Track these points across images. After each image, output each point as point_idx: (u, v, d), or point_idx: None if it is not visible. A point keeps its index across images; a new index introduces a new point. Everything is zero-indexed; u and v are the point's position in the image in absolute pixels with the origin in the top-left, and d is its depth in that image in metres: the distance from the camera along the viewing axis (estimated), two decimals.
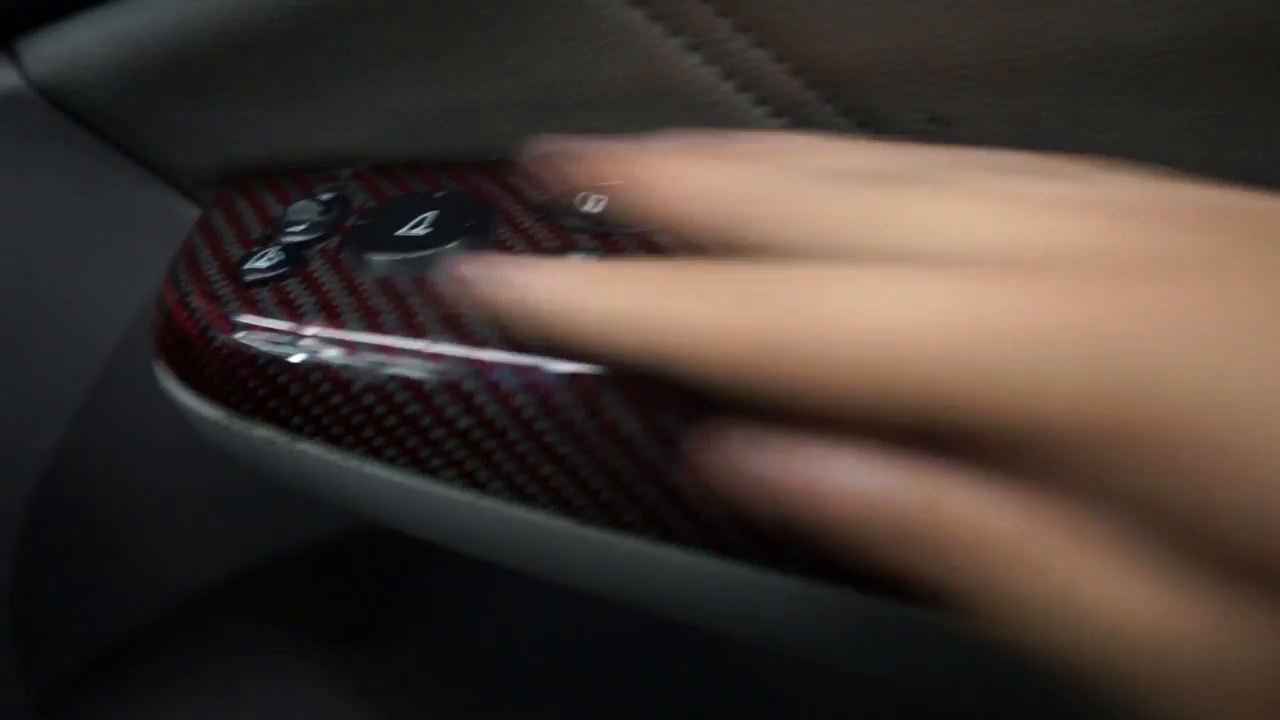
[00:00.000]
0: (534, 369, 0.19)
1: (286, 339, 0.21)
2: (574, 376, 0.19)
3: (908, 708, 0.34)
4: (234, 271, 0.23)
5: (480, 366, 0.20)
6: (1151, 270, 0.13)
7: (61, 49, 0.24)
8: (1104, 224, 0.14)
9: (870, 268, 0.14)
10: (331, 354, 0.21)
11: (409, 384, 0.20)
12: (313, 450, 0.22)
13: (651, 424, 0.18)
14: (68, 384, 0.30)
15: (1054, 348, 0.12)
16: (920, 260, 0.14)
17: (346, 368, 0.21)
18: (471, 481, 0.21)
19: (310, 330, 0.21)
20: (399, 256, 0.22)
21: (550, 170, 0.19)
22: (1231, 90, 0.22)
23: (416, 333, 0.21)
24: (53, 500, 0.33)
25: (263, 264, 0.23)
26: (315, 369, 0.21)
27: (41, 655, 0.39)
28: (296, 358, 0.21)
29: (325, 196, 0.25)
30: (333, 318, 0.21)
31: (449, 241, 0.22)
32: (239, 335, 0.22)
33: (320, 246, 0.23)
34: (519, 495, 0.20)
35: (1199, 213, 0.14)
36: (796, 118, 0.24)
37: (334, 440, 0.22)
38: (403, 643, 0.46)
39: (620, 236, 0.22)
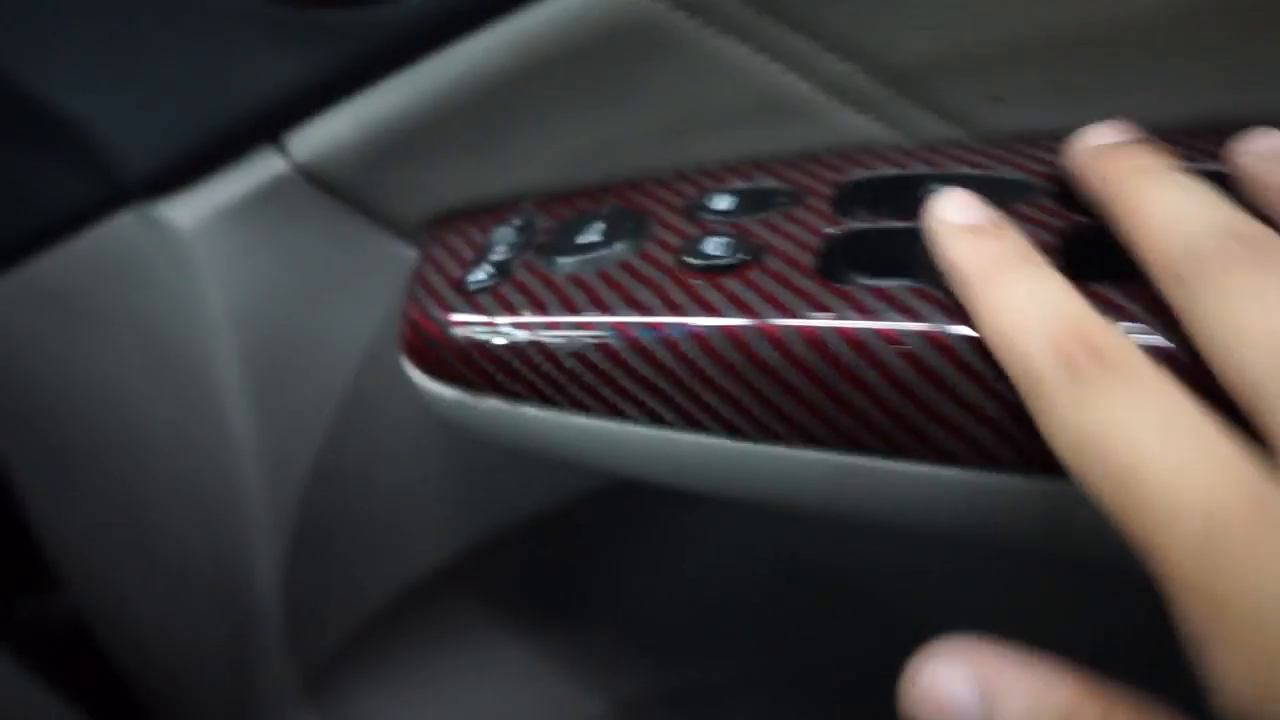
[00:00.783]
0: (688, 327, 0.26)
1: (506, 327, 0.29)
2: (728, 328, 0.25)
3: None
4: (460, 285, 0.30)
5: (654, 327, 0.26)
6: None
7: (319, 137, 0.32)
8: None
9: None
10: (540, 334, 0.28)
11: (601, 346, 0.27)
12: (530, 410, 0.29)
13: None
14: (323, 400, 0.38)
15: None
16: None
17: (552, 342, 0.28)
18: (652, 418, 0.27)
19: (522, 319, 0.28)
20: (581, 258, 0.29)
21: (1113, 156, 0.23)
22: (1244, 36, 0.26)
23: (602, 310, 0.27)
24: (312, 500, 0.41)
25: (481, 276, 0.30)
26: (529, 346, 0.28)
27: (306, 638, 0.47)
28: (515, 340, 0.28)
29: (517, 222, 0.32)
30: (538, 307, 0.28)
31: (616, 242, 0.29)
32: (471, 330, 0.29)
33: (521, 259, 0.30)
34: (687, 425, 0.27)
35: None
36: (879, 113, 0.30)
37: (546, 400, 0.28)
38: (592, 616, 0.52)
39: (750, 224, 0.28)
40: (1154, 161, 0.22)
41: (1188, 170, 0.22)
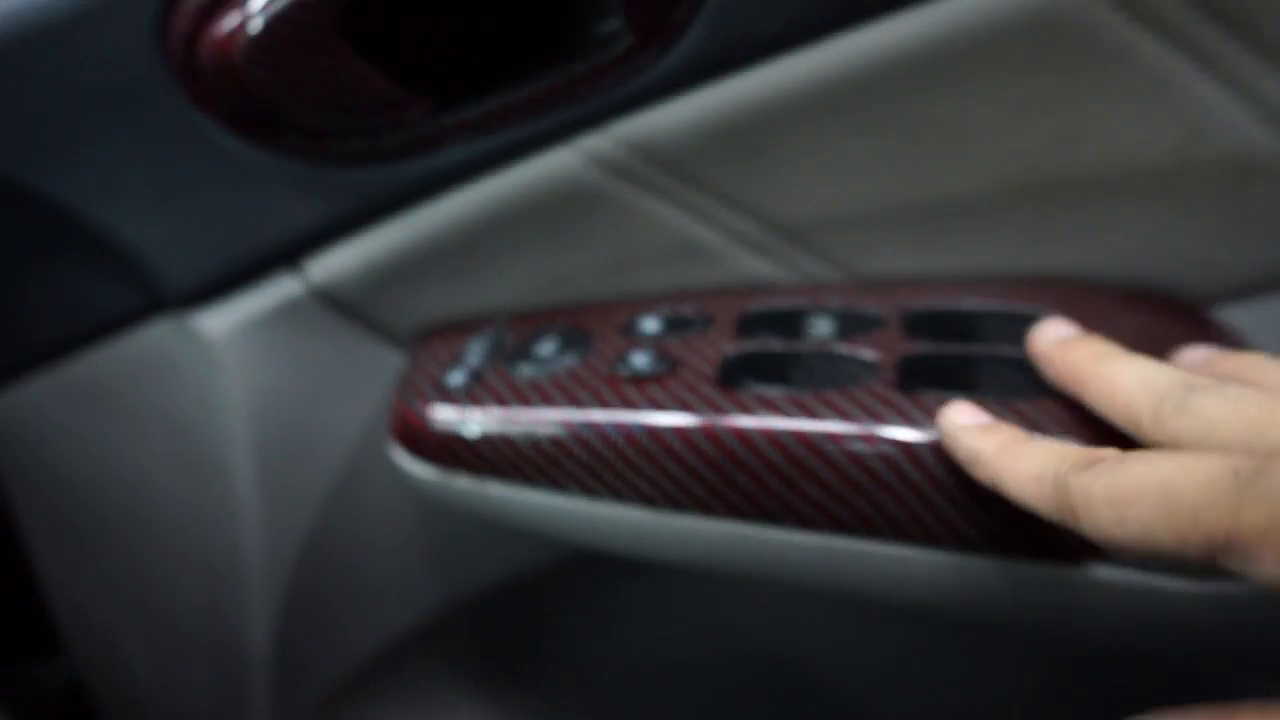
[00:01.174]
0: (617, 423, 0.33)
1: (476, 420, 0.36)
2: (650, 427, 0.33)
3: None
4: (440, 385, 0.38)
5: (591, 423, 0.34)
6: None
7: (330, 265, 0.40)
8: None
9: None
10: (503, 426, 0.35)
11: (551, 438, 0.34)
12: (493, 487, 0.36)
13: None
14: (320, 478, 0.45)
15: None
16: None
17: (512, 432, 0.35)
18: (588, 493, 0.34)
19: (490, 414, 0.36)
20: (537, 366, 0.37)
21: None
22: (1039, 215, 0.35)
23: (553, 408, 0.35)
24: (304, 564, 0.47)
25: (458, 379, 0.38)
26: (494, 435, 0.35)
27: (291, 694, 0.53)
28: (483, 430, 0.36)
29: (488, 336, 0.40)
30: (502, 404, 0.36)
31: (566, 355, 0.37)
32: (448, 421, 0.36)
33: (491, 366, 0.38)
34: (616, 499, 0.34)
35: None
36: (772, 258, 0.38)
37: (506, 478, 0.36)
38: (545, 685, 0.58)
39: (669, 342, 0.36)
40: (1105, 347, 0.30)
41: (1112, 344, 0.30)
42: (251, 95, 0.36)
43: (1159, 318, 0.35)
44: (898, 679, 0.52)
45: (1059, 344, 0.31)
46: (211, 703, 0.54)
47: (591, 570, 0.53)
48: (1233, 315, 0.36)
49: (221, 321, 0.42)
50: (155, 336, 0.44)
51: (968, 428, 0.30)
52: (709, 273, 0.39)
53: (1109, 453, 0.25)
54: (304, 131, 0.37)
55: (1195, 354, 0.31)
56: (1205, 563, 0.22)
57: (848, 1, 0.32)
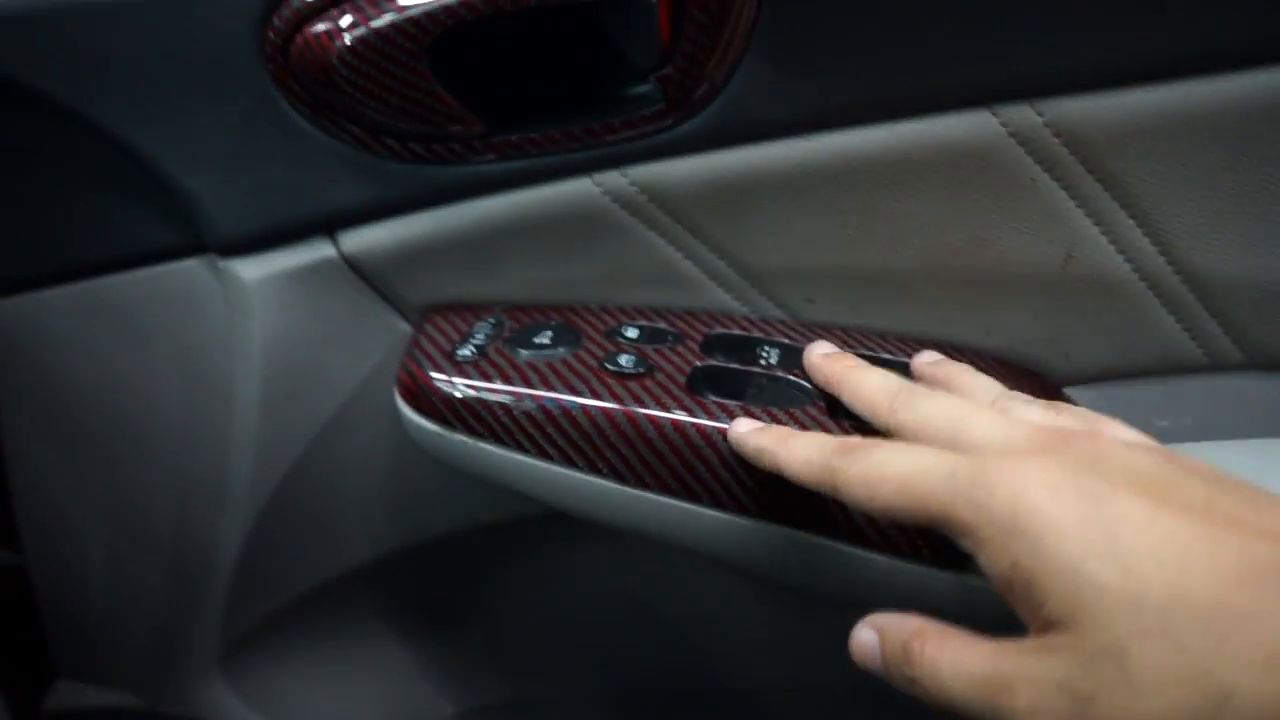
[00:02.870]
0: (602, 407, 0.41)
1: (480, 389, 0.43)
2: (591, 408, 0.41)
3: None
4: (449, 355, 0.45)
5: (581, 405, 0.42)
6: (1022, 454, 0.29)
7: (362, 239, 0.47)
8: (1021, 430, 0.30)
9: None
10: (503, 396, 0.43)
11: (543, 409, 0.42)
12: (486, 446, 0.44)
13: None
14: (313, 420, 0.51)
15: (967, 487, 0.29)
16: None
17: (510, 403, 0.43)
18: (568, 463, 0.42)
19: (492, 385, 0.43)
20: (535, 351, 0.44)
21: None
22: (944, 293, 0.45)
23: (547, 388, 0.43)
24: (280, 494, 0.53)
25: (466, 351, 0.45)
26: (494, 403, 0.43)
27: (237, 613, 0.58)
28: (484, 398, 0.43)
29: (491, 320, 0.47)
30: (504, 379, 0.43)
31: (560, 347, 0.45)
32: (454, 387, 0.44)
33: (494, 345, 0.45)
34: (591, 471, 0.42)
35: (1052, 430, 0.30)
36: (736, 294, 0.47)
37: (499, 440, 0.43)
38: (464, 631, 0.65)
39: (648, 350, 0.45)
40: (856, 360, 0.41)
41: (875, 361, 0.40)
42: (332, 90, 0.43)
43: (1023, 387, 0.45)
44: (771, 644, 0.61)
45: (824, 357, 0.42)
46: (157, 614, 0.60)
47: (522, 535, 0.60)
48: (1079, 394, 0.46)
49: (255, 270, 0.48)
50: (186, 274, 0.50)
51: (751, 431, 0.39)
52: (683, 297, 0.48)
53: (859, 441, 0.33)
54: (367, 127, 0.44)
55: (926, 356, 0.42)
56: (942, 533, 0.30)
57: (827, 111, 0.41)
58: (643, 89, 0.42)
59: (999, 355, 0.47)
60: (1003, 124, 0.40)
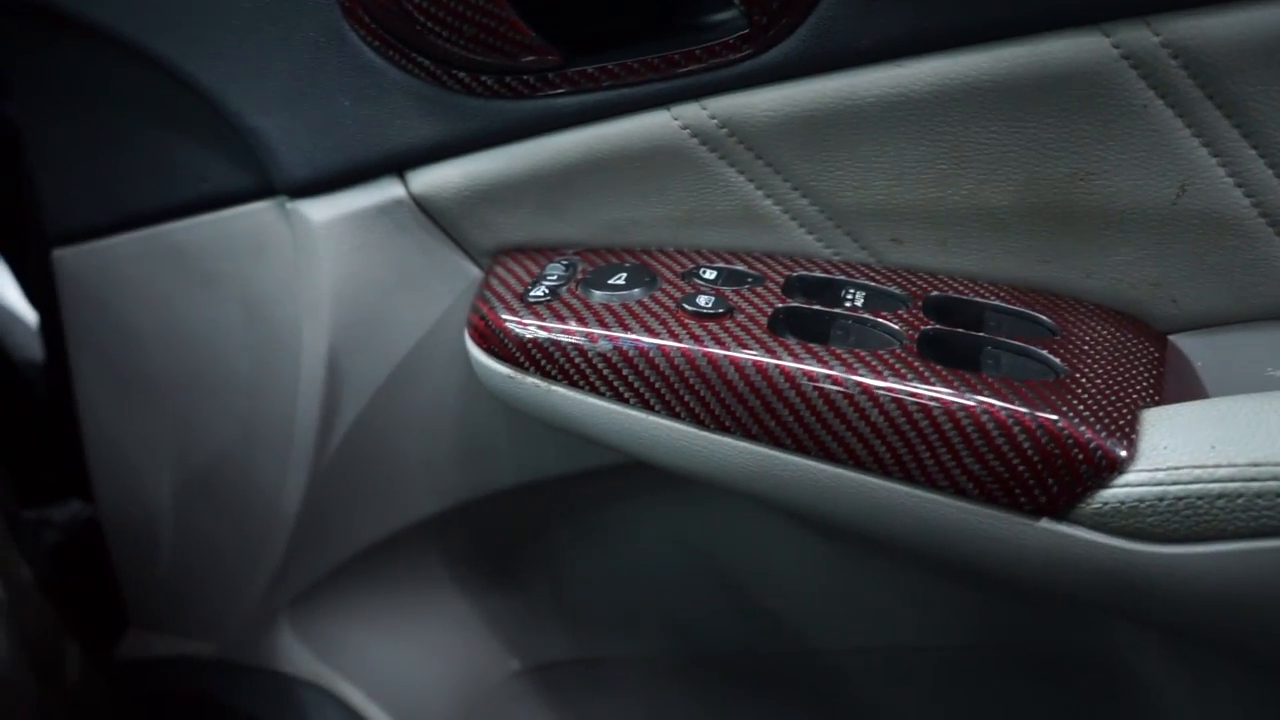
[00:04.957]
0: (681, 348, 0.40)
1: (554, 330, 0.42)
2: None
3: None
4: (522, 297, 0.44)
5: (659, 346, 0.40)
6: None
7: (432, 179, 0.46)
8: None
9: None
10: (578, 338, 0.41)
11: (619, 350, 0.41)
12: (559, 389, 0.42)
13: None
14: (382, 366, 0.50)
15: None
16: None
17: (585, 344, 0.41)
18: (645, 406, 0.41)
19: (567, 326, 0.42)
20: (610, 293, 0.43)
21: None
22: (1037, 230, 0.42)
23: (623, 329, 0.41)
24: (348, 442, 0.53)
25: (539, 293, 0.43)
26: (569, 345, 0.41)
27: (304, 562, 0.58)
28: (558, 339, 0.42)
29: (564, 262, 0.46)
30: (579, 320, 0.42)
31: (635, 288, 0.43)
32: (528, 328, 0.42)
33: (567, 286, 0.44)
34: (669, 415, 0.40)
35: None
36: (819, 235, 0.45)
37: (573, 383, 0.42)
38: (528, 586, 0.64)
39: (727, 291, 0.43)
40: None
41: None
42: (403, 20, 0.41)
43: (1128, 335, 0.42)
44: (839, 603, 0.59)
45: None
46: (229, 555, 0.60)
47: (588, 489, 0.59)
48: (1186, 342, 0.44)
49: (324, 212, 0.47)
50: (253, 217, 0.49)
51: None
52: (762, 238, 0.46)
53: None
54: (440, 59, 0.43)
55: None
56: None
57: (925, 34, 0.39)
58: (725, 15, 0.40)
59: (1100, 300, 0.44)
60: (1114, 45, 0.37)
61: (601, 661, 0.66)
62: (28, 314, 0.83)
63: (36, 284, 0.59)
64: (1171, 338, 0.44)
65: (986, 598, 0.55)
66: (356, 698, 0.62)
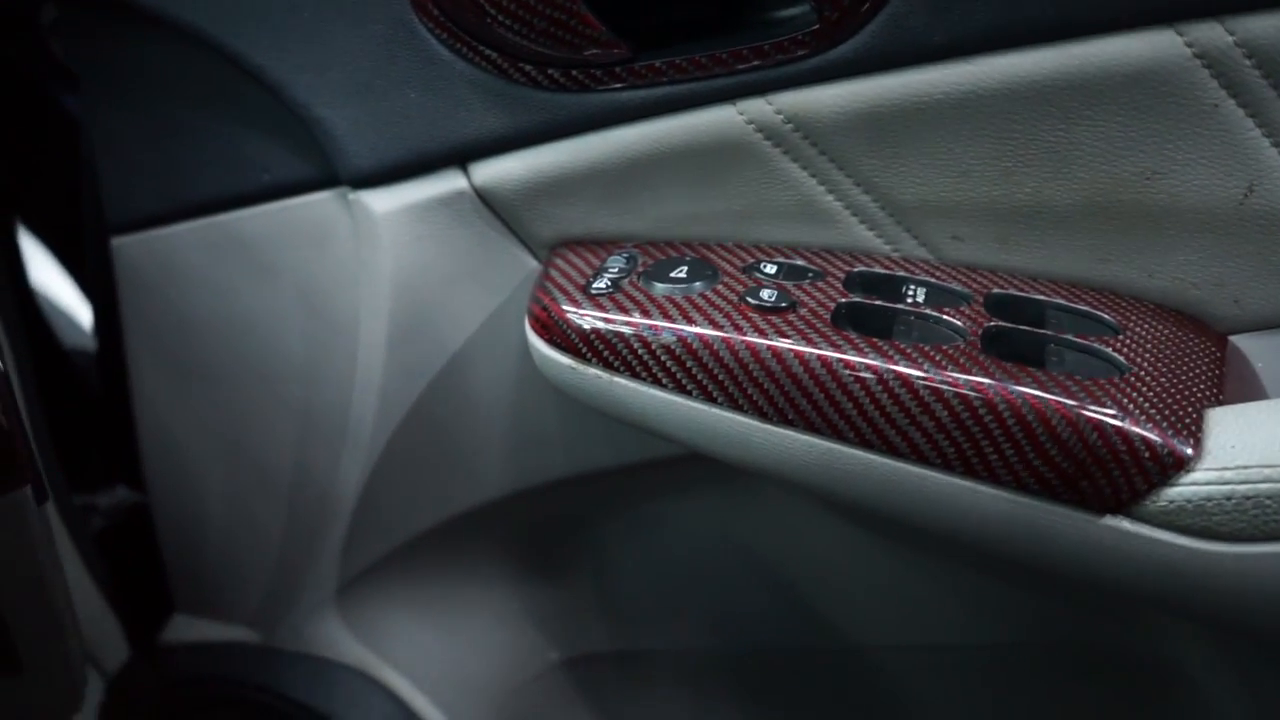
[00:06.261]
0: (745, 340, 0.40)
1: (617, 321, 0.42)
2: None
3: None
4: (584, 288, 0.44)
5: (724, 339, 0.40)
6: None
7: (494, 171, 0.46)
8: None
9: None
10: (640, 330, 0.42)
11: (682, 342, 0.41)
12: (621, 380, 0.43)
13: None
14: (439, 357, 0.51)
15: None
16: None
17: (648, 336, 0.42)
18: (707, 398, 0.41)
19: (630, 318, 0.42)
20: (672, 285, 0.43)
21: None
22: (1098, 228, 0.42)
23: (687, 321, 0.41)
24: (402, 432, 0.53)
25: (601, 284, 0.44)
26: (631, 336, 0.42)
27: (354, 551, 0.59)
28: (621, 330, 0.42)
29: (625, 255, 0.46)
30: (642, 312, 0.42)
31: (697, 281, 0.43)
32: (591, 319, 0.43)
33: (629, 279, 0.44)
34: (732, 407, 0.41)
35: None
36: (880, 231, 0.45)
37: (635, 375, 0.42)
38: (572, 577, 0.65)
39: (789, 286, 0.43)
40: None
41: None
42: (472, 12, 0.42)
43: (1189, 334, 0.42)
44: (887, 601, 0.59)
45: None
46: (279, 543, 0.60)
47: (637, 482, 0.59)
48: (1248, 343, 0.44)
49: (386, 202, 0.47)
50: (315, 207, 0.50)
51: None
52: (822, 234, 0.46)
53: None
54: (506, 52, 0.43)
55: None
56: None
57: (998, 32, 0.39)
58: (795, 10, 0.41)
59: (1161, 299, 0.44)
60: (1188, 44, 0.37)
61: (641, 654, 0.66)
62: (75, 305, 0.85)
63: (93, 272, 0.59)
64: (1231, 338, 0.44)
65: (1033, 596, 0.55)
66: (400, 684, 0.63)
